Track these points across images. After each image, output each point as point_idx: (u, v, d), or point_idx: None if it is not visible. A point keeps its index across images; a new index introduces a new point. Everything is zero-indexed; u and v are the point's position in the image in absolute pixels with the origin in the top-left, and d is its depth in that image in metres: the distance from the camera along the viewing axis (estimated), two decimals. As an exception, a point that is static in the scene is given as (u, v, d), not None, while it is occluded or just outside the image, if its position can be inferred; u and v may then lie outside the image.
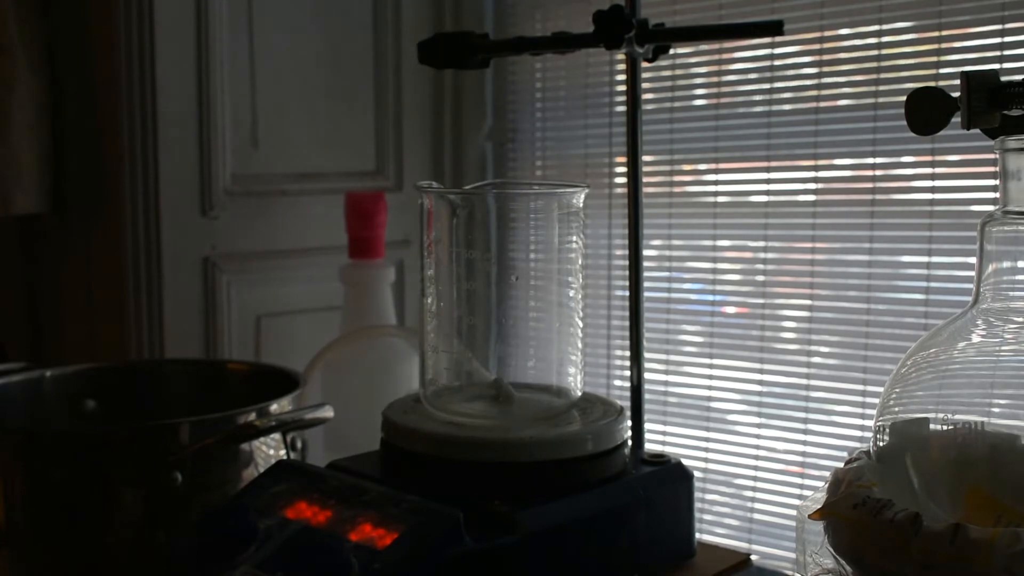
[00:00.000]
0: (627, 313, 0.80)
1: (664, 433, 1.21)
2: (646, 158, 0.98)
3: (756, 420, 1.14)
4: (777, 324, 1.12)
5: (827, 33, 1.07)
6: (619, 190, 1.25)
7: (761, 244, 1.13)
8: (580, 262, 0.72)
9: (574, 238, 0.71)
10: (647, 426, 0.80)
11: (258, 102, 1.18)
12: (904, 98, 0.54)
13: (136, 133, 1.10)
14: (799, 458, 1.11)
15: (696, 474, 0.74)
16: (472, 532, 0.58)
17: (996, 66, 0.90)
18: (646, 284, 0.81)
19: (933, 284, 1.01)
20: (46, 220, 1.17)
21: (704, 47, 1.17)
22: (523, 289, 0.71)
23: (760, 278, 1.14)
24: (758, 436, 1.14)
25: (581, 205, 0.71)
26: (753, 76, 1.13)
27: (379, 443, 0.70)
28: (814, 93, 1.08)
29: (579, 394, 0.72)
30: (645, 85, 1.15)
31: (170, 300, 1.12)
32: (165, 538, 0.71)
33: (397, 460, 0.68)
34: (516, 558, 0.60)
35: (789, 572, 0.90)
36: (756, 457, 1.14)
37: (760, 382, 1.14)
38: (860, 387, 1.06)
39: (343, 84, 1.27)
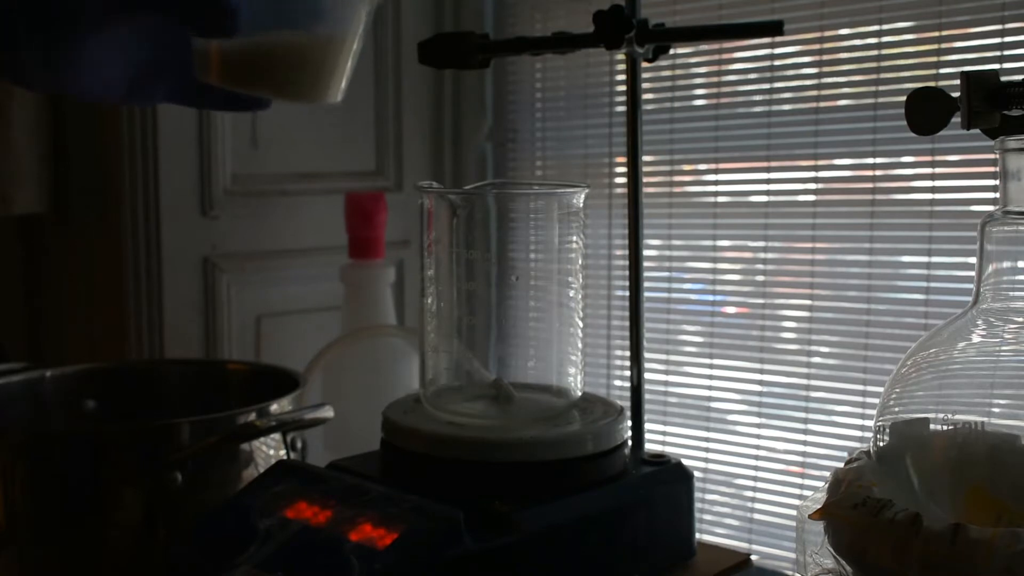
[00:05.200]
0: (627, 313, 0.79)
1: (664, 433, 1.21)
2: (646, 158, 0.98)
3: (756, 420, 1.14)
4: (777, 324, 1.12)
5: (827, 33, 1.07)
6: (619, 190, 1.25)
7: (761, 244, 1.13)
8: (580, 262, 0.71)
9: (574, 238, 0.71)
10: (647, 426, 0.80)
11: (258, 102, 1.18)
12: (904, 98, 0.54)
13: (136, 133, 1.10)
14: (799, 458, 1.11)
15: (696, 474, 0.74)
16: (472, 532, 0.58)
17: (996, 66, 0.90)
18: (646, 284, 0.81)
19: (933, 284, 1.01)
20: (46, 220, 1.17)
21: (704, 47, 1.17)
22: (523, 289, 0.71)
23: (760, 278, 1.14)
24: (758, 436, 1.14)
25: (581, 205, 0.71)
26: (753, 76, 1.13)
27: (379, 443, 0.70)
28: (814, 93, 1.08)
29: (579, 394, 0.72)
30: (645, 85, 1.15)
31: (170, 300, 1.12)
32: (165, 538, 0.71)
33: (397, 460, 0.68)
34: (516, 558, 0.60)
35: (789, 572, 0.90)
36: (756, 457, 1.14)
37: (760, 382, 1.14)
38: (860, 387, 1.06)
39: (343, 84, 1.27)
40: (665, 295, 1.21)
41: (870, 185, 1.05)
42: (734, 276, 1.17)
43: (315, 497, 0.63)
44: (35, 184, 1.10)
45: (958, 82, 0.52)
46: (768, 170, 1.12)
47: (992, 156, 0.53)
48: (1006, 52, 0.95)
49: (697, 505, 0.90)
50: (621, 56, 0.78)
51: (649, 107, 1.21)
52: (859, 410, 1.06)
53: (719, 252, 1.17)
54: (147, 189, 1.10)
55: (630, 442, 0.73)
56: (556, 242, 0.70)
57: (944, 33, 0.99)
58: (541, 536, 0.61)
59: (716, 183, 1.17)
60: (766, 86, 1.12)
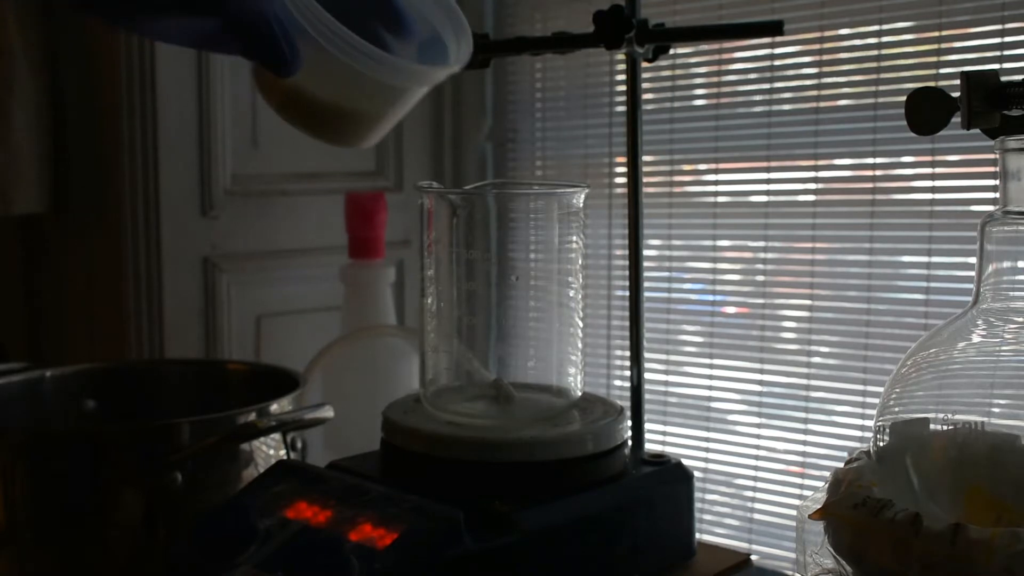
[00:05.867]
0: (627, 313, 0.79)
1: (664, 433, 1.21)
2: (646, 158, 0.98)
3: (756, 420, 1.14)
4: (777, 324, 1.12)
5: (827, 33, 1.07)
6: (619, 190, 1.25)
7: (761, 244, 1.13)
8: (580, 262, 0.71)
9: (574, 238, 0.71)
10: (647, 426, 0.80)
11: (258, 102, 1.18)
12: (904, 98, 0.54)
13: (136, 133, 1.10)
14: (799, 458, 1.11)
15: (696, 474, 0.74)
16: (472, 532, 0.58)
17: (996, 66, 0.90)
18: (646, 284, 0.81)
19: (933, 284, 1.01)
20: (46, 220, 1.17)
21: (704, 47, 1.17)
22: (523, 289, 0.71)
23: (760, 278, 1.14)
24: (758, 436, 1.14)
25: (581, 205, 0.71)
26: (753, 76, 1.13)
27: (379, 443, 0.70)
28: (814, 93, 1.08)
29: (579, 394, 0.72)
30: (645, 85, 1.15)
31: (170, 300, 1.12)
32: (165, 538, 0.71)
33: (397, 460, 0.68)
34: (516, 558, 0.60)
35: (789, 572, 0.90)
36: (756, 457, 1.14)
37: (760, 382, 1.14)
38: (860, 387, 1.06)
39: (343, 84, 1.27)
40: (665, 295, 1.21)
41: (870, 185, 1.05)
42: (734, 276, 1.17)
43: (315, 497, 0.63)
44: (35, 184, 1.10)
45: (958, 82, 0.52)
46: (768, 170, 1.12)
47: (992, 156, 0.53)
48: (1006, 52, 0.95)
49: (697, 505, 0.90)
50: (621, 56, 0.78)
51: (649, 107, 1.21)
52: (859, 410, 1.06)
53: (719, 252, 1.17)
54: (147, 189, 1.10)
55: (630, 442, 0.73)
56: (556, 242, 0.70)
57: (944, 33, 0.99)
58: (541, 536, 0.61)
59: (716, 183, 1.17)
60: (766, 86, 1.12)
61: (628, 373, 0.80)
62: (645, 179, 0.80)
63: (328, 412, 0.77)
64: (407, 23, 0.60)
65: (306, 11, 0.54)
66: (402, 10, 0.60)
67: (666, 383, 1.21)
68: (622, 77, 1.24)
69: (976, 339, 0.53)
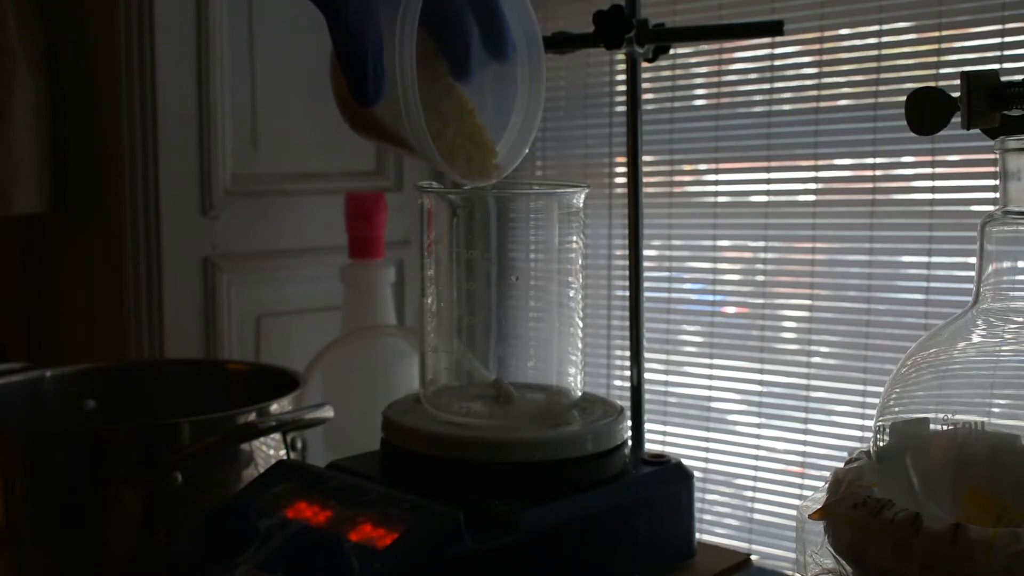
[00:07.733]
0: (627, 313, 0.79)
1: (664, 433, 1.21)
2: (646, 158, 0.98)
3: (756, 420, 1.14)
4: (777, 324, 1.12)
5: (827, 33, 1.07)
6: (619, 190, 1.25)
7: (761, 244, 1.13)
8: (580, 262, 0.71)
9: (574, 238, 0.71)
10: (647, 426, 0.80)
11: (258, 102, 1.18)
12: (904, 98, 0.54)
13: (136, 133, 1.10)
14: (799, 458, 1.11)
15: (696, 474, 0.74)
16: (472, 532, 0.58)
17: (996, 66, 0.90)
18: (646, 284, 0.81)
19: (933, 284, 1.01)
20: (46, 220, 1.17)
21: (704, 47, 1.17)
22: (523, 289, 0.71)
23: (760, 278, 1.14)
24: (758, 436, 1.14)
25: (581, 205, 0.71)
26: (753, 76, 1.13)
27: (379, 443, 0.70)
28: (814, 93, 1.08)
29: (579, 394, 0.72)
30: (645, 85, 1.15)
31: (170, 300, 1.12)
32: (165, 538, 0.71)
33: (397, 460, 0.68)
34: (516, 558, 0.60)
35: (789, 572, 0.90)
36: (756, 457, 1.14)
37: (760, 382, 1.14)
38: (860, 387, 1.06)
39: (343, 84, 1.27)
40: (665, 295, 1.21)
41: (870, 185, 1.05)
42: (734, 276, 1.17)
43: (315, 497, 0.63)
44: (35, 184, 1.10)
45: (958, 82, 0.52)
46: (768, 170, 1.12)
47: (992, 156, 0.53)
48: (1006, 52, 0.95)
49: (697, 505, 0.90)
50: (621, 56, 0.78)
51: (649, 107, 1.21)
52: (859, 410, 1.06)
53: (719, 252, 1.17)
54: (147, 189, 1.10)
55: (630, 442, 0.73)
56: (556, 242, 0.70)
57: (944, 33, 0.99)
58: (541, 536, 0.61)
59: (716, 183, 1.17)
60: (766, 86, 1.12)
61: (628, 373, 0.80)
62: (645, 179, 0.80)
63: (328, 412, 0.77)
64: (506, 52, 0.63)
65: (404, 76, 0.56)
66: (505, 41, 0.62)
67: (666, 383, 1.21)
68: (622, 77, 1.24)
69: (976, 339, 0.53)
